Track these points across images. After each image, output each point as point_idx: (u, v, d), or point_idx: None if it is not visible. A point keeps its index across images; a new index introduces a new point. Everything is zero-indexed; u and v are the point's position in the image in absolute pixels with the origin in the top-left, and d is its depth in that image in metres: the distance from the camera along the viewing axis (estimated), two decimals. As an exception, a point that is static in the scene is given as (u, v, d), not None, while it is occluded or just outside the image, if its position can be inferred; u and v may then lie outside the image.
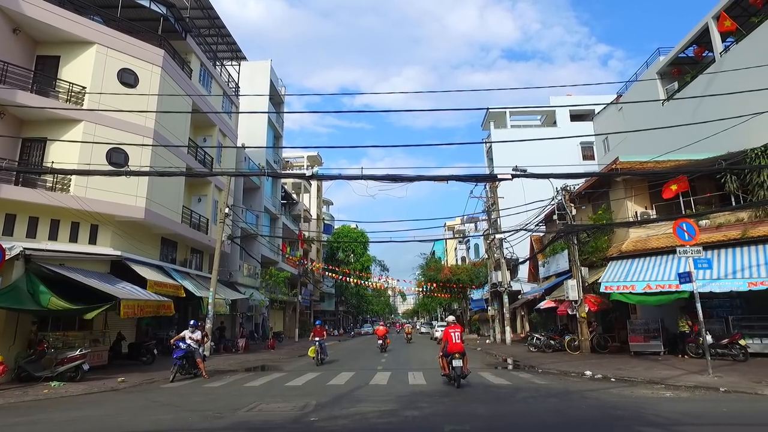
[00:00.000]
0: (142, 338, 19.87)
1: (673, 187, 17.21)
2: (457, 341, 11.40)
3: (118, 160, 18.16)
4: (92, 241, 17.92)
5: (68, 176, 16.94)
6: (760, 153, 15.69)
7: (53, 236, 17.10)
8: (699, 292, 11.81)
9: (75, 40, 18.28)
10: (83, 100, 17.95)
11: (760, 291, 13.89)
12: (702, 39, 22.11)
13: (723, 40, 20.80)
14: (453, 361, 11.10)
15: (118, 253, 17.92)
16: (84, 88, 18.06)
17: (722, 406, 8.39)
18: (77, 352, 12.97)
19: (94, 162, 16.52)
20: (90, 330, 16.31)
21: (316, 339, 18.43)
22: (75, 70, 18.32)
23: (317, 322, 20.09)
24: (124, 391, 11.61)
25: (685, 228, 12.20)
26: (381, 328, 27.46)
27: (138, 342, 18.96)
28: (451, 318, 13.61)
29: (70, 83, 17.91)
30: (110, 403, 9.78)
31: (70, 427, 7.64)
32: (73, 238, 17.51)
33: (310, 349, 19.10)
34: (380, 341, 25.53)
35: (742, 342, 14.25)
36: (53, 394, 10.93)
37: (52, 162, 17.06)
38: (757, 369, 12.19)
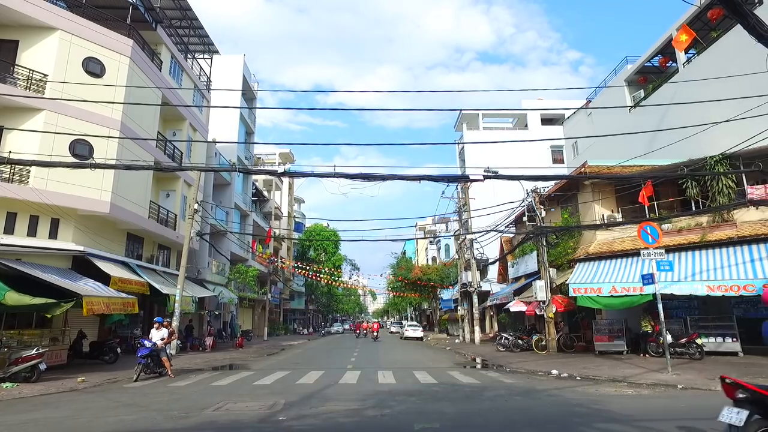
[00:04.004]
0: (104, 336, 19.18)
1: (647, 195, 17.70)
2: (375, 327, 39.55)
3: (82, 151, 17.49)
4: (53, 235, 17.20)
5: (27, 167, 16.21)
6: (718, 160, 16.39)
7: (9, 230, 16.35)
8: (661, 294, 12.28)
9: (36, 24, 17.48)
10: (45, 89, 17.20)
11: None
12: (667, 49, 22.95)
13: (686, 52, 21.62)
14: (374, 333, 38.64)
15: (81, 248, 17.27)
16: (46, 75, 17.30)
17: (680, 402, 8.74)
18: (33, 352, 12.34)
19: (56, 153, 15.81)
20: (49, 328, 15.65)
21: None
22: (36, 57, 17.52)
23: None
24: (84, 392, 11.17)
25: (649, 231, 12.65)
26: (365, 324, 43.37)
27: (100, 340, 18.29)
28: (381, 320, 37.55)
29: (30, 70, 17.12)
30: (69, 404, 9.39)
31: (24, 431, 7.29)
32: (32, 233, 16.77)
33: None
34: (366, 333, 42.72)
35: (698, 341, 14.91)
36: (6, 396, 10.40)
37: (9, 152, 16.19)
38: (711, 367, 12.76)
